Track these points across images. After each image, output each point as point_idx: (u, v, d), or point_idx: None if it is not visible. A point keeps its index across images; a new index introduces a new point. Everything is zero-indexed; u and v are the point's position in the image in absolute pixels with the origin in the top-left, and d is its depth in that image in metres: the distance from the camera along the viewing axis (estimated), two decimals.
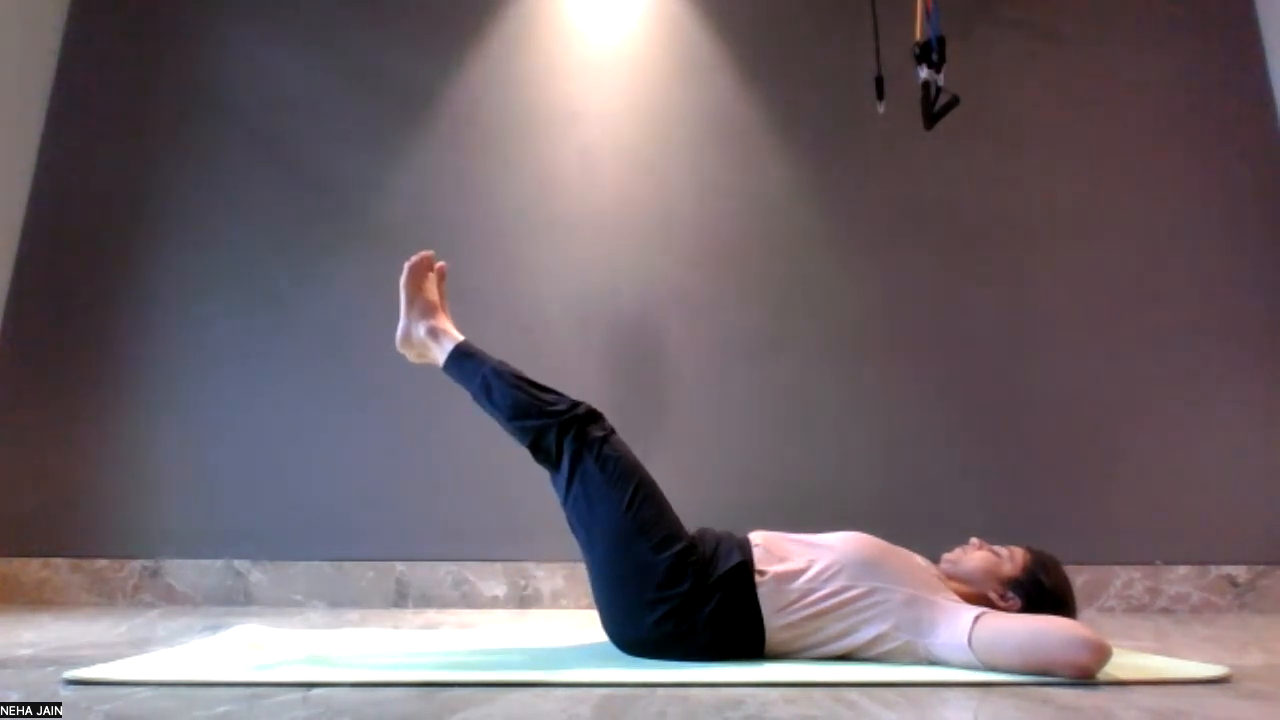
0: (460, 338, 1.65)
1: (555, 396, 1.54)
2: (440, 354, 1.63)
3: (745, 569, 1.36)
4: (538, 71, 2.85)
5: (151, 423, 2.53)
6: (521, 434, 1.52)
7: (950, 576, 1.40)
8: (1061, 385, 2.54)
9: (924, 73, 2.23)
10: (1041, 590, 1.35)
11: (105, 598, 2.36)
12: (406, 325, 1.69)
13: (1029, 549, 1.42)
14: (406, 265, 1.70)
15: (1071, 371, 2.55)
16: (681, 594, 1.34)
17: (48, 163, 2.74)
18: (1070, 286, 2.62)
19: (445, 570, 2.38)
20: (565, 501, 1.49)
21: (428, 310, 1.68)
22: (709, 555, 1.38)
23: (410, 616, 2.14)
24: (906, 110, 2.58)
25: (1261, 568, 2.33)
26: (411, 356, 1.72)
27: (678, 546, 1.38)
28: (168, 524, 2.44)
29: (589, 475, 1.45)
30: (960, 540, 1.47)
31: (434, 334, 1.65)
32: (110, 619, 1.98)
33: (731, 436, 2.52)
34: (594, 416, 1.53)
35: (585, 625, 1.91)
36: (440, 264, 1.75)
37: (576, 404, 1.53)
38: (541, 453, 1.52)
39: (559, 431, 1.49)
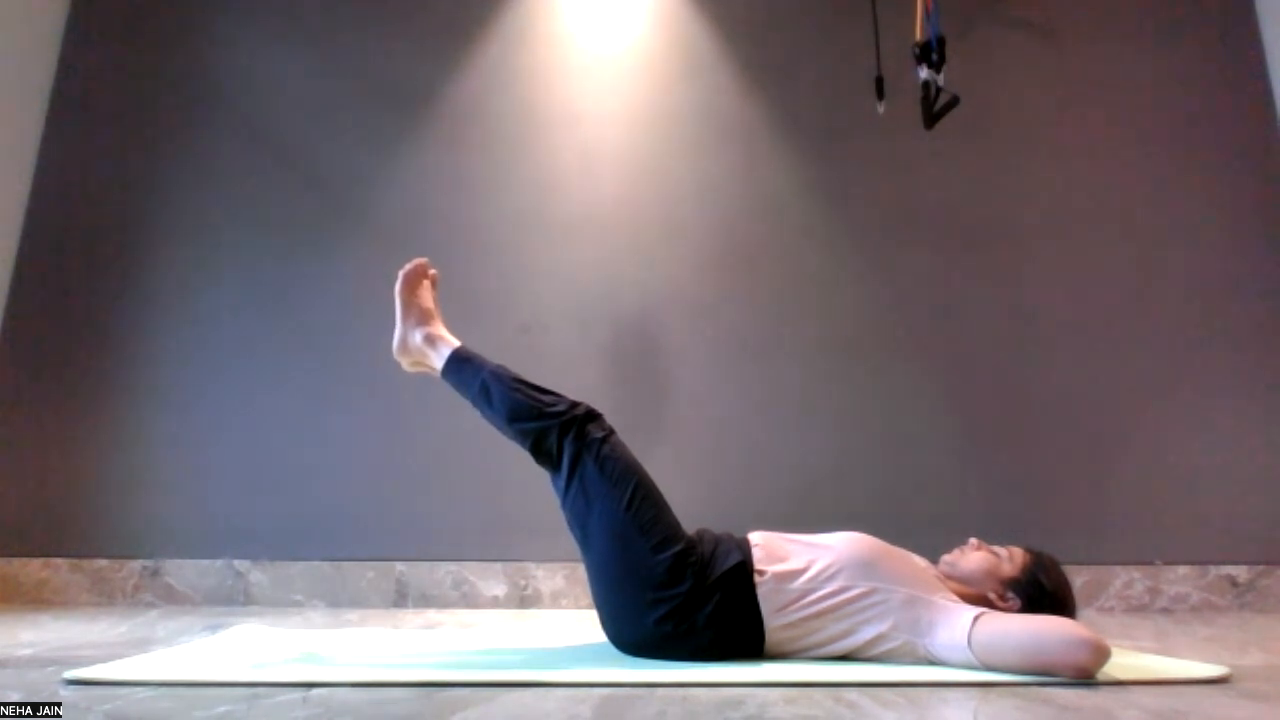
0: (457, 343, 1.65)
1: (554, 398, 1.53)
2: (438, 360, 1.63)
3: (744, 569, 1.36)
4: (538, 72, 2.85)
5: (152, 422, 2.53)
6: (521, 437, 1.52)
7: (949, 577, 1.40)
8: (1061, 385, 2.54)
9: (924, 73, 2.23)
10: (1041, 590, 1.35)
11: (105, 598, 2.36)
12: (403, 333, 1.68)
13: (1028, 549, 1.42)
14: (401, 273, 1.70)
15: (1071, 371, 2.55)
16: (681, 594, 1.34)
17: (48, 163, 2.74)
18: (1070, 286, 2.62)
19: (445, 570, 2.38)
20: (564, 502, 1.49)
21: (424, 317, 1.68)
22: (708, 556, 1.39)
23: (410, 616, 2.14)
24: (906, 110, 2.58)
25: (1261, 568, 2.33)
26: (407, 365, 1.70)
27: (676, 547, 1.38)
28: (168, 524, 2.44)
29: (588, 475, 1.45)
30: (960, 540, 1.47)
31: (431, 341, 1.65)
32: (110, 619, 1.98)
33: (731, 436, 2.52)
34: (593, 416, 1.53)
35: (585, 625, 1.91)
36: (433, 271, 1.74)
37: (576, 404, 1.53)
38: (543, 455, 1.51)
39: (559, 432, 1.49)
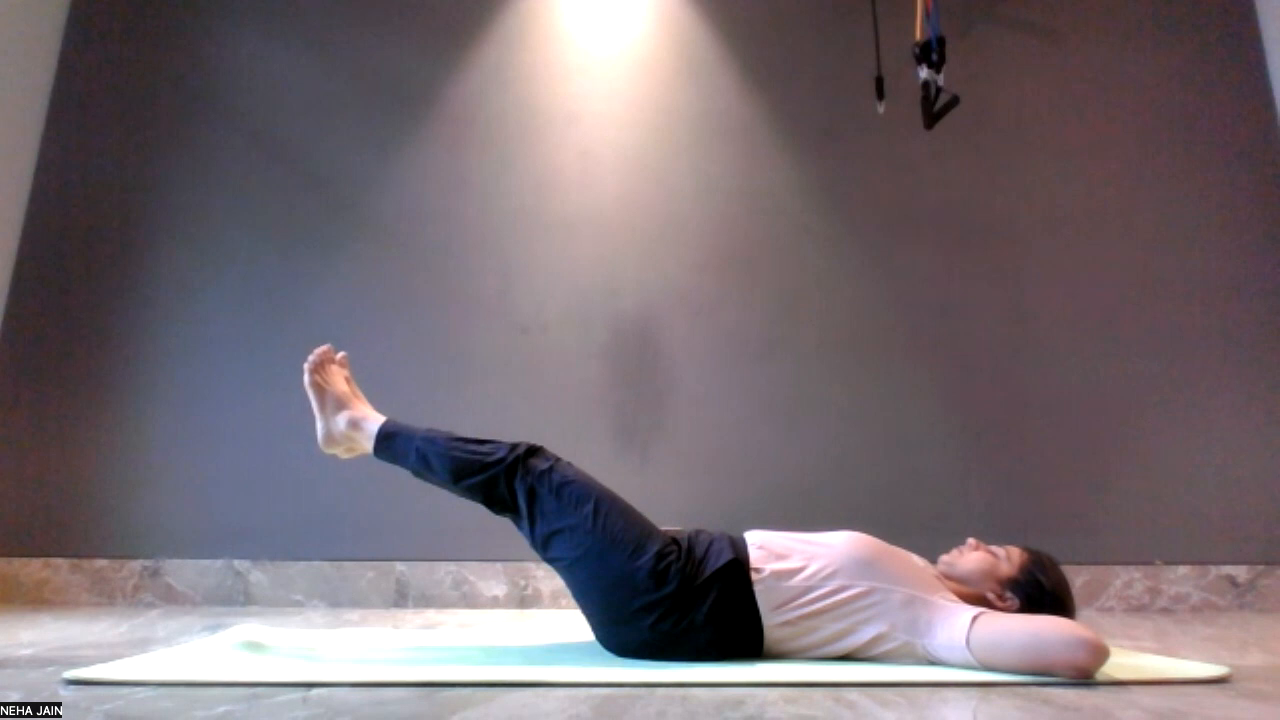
0: (382, 419, 1.60)
1: (492, 446, 1.51)
2: (367, 441, 1.58)
3: (738, 566, 1.36)
4: (538, 72, 2.85)
5: (152, 422, 2.53)
6: (471, 493, 1.51)
7: (948, 577, 1.40)
8: (1061, 385, 2.54)
9: (924, 73, 2.23)
10: (1040, 590, 1.35)
11: (105, 598, 2.36)
12: (325, 425, 1.63)
13: (1026, 549, 1.42)
14: (306, 367, 1.65)
15: (1071, 371, 2.55)
16: (669, 595, 1.33)
17: (48, 163, 2.74)
18: (1070, 286, 2.62)
19: (445, 570, 2.38)
20: (534, 541, 1.48)
21: (341, 402, 1.63)
22: (700, 555, 1.38)
23: (410, 616, 2.14)
24: (907, 110, 2.58)
25: (1261, 568, 2.33)
26: (341, 454, 1.66)
27: (653, 549, 1.38)
28: (168, 524, 2.44)
29: (547, 507, 1.44)
30: (959, 540, 1.47)
31: (355, 424, 1.60)
32: (110, 619, 1.98)
33: (732, 436, 2.52)
34: (534, 451, 1.52)
35: (585, 625, 1.91)
36: (341, 353, 1.71)
37: (515, 446, 1.51)
38: (497, 503, 1.50)
39: (506, 478, 1.47)
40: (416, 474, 1.57)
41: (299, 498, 2.46)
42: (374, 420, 1.60)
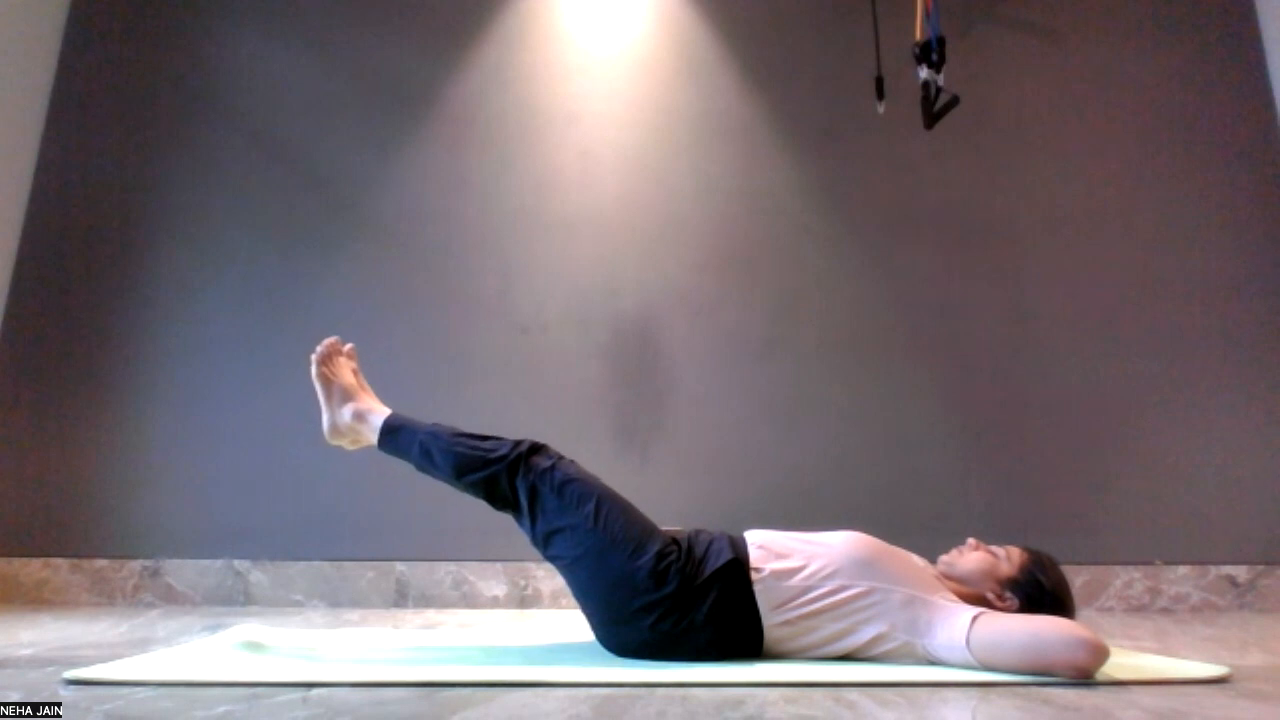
0: (387, 411, 1.61)
1: (495, 442, 1.52)
2: (371, 434, 1.59)
3: (738, 565, 1.36)
4: (538, 72, 2.85)
5: (152, 422, 2.53)
6: (473, 489, 1.51)
7: (947, 577, 1.40)
8: (1061, 385, 2.54)
9: (924, 73, 2.23)
10: (1040, 590, 1.35)
11: (105, 598, 2.36)
12: (331, 416, 1.64)
13: (1026, 549, 1.42)
14: (314, 358, 1.66)
15: (1071, 371, 2.55)
16: (669, 595, 1.33)
17: (48, 163, 2.74)
18: (1069, 286, 2.62)
19: (445, 570, 2.39)
20: (535, 539, 1.48)
21: (347, 394, 1.64)
22: (700, 555, 1.38)
23: (410, 616, 2.14)
24: (907, 110, 2.58)
25: (1261, 568, 2.33)
26: (346, 445, 1.67)
27: (654, 548, 1.38)
28: (168, 524, 2.44)
29: (549, 505, 1.45)
30: (959, 540, 1.47)
31: (360, 416, 1.62)
32: (110, 619, 1.98)
33: (732, 436, 2.52)
34: (537, 449, 1.52)
35: (585, 625, 1.91)
36: (348, 345, 1.72)
37: (518, 443, 1.51)
38: (499, 500, 1.51)
39: (508, 475, 1.48)
40: (419, 468, 1.57)
41: (299, 498, 2.46)
42: (379, 413, 1.61)
